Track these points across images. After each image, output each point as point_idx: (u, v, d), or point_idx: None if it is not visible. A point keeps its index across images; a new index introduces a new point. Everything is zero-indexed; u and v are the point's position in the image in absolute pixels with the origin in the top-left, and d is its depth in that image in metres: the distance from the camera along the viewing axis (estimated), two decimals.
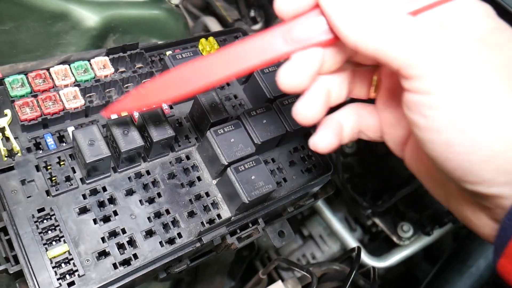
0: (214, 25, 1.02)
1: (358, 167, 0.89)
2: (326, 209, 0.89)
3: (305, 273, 0.60)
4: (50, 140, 0.47)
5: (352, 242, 0.87)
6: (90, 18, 0.63)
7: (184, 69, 0.35)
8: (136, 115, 0.51)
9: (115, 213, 0.46)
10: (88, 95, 0.51)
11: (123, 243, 0.45)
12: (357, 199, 0.83)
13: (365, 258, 0.86)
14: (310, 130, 0.59)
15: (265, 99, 0.56)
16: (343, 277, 0.65)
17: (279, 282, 0.66)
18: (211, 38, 0.61)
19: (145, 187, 0.49)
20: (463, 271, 0.79)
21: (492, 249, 0.31)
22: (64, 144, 0.48)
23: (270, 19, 0.96)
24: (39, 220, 0.43)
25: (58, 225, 0.44)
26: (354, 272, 0.59)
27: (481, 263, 0.80)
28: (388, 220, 0.85)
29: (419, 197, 0.78)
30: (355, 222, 0.98)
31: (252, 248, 0.85)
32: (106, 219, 0.46)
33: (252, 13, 1.00)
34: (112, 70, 0.53)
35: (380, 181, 0.81)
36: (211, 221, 0.50)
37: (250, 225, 0.54)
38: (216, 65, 0.34)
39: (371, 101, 0.39)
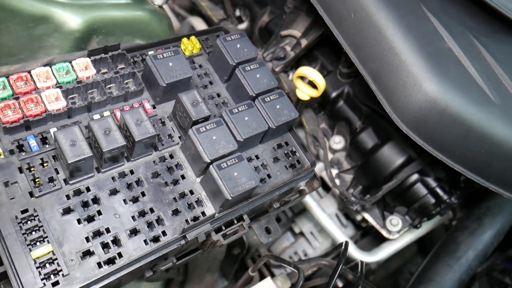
0: (200, 25, 1.03)
1: (347, 163, 0.89)
2: (316, 205, 0.89)
3: (293, 269, 0.60)
4: (32, 142, 0.48)
5: (342, 237, 0.87)
6: (73, 20, 0.63)
7: None
8: (118, 114, 0.51)
9: (99, 212, 0.47)
10: (70, 96, 0.51)
11: (107, 242, 0.46)
12: (346, 195, 0.83)
13: (356, 253, 0.87)
14: (293, 125, 0.59)
15: (247, 96, 0.57)
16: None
17: (268, 278, 0.66)
18: (193, 38, 0.62)
19: (129, 186, 0.49)
20: (452, 263, 0.79)
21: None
22: (47, 146, 0.48)
23: (255, 18, 0.96)
24: (23, 221, 0.44)
25: (41, 226, 0.44)
26: (340, 265, 0.60)
27: (470, 254, 0.80)
28: (377, 214, 0.85)
29: (406, 191, 0.78)
30: (346, 218, 0.99)
31: (242, 247, 0.85)
32: (90, 219, 0.46)
33: (238, 13, 1.01)
34: (94, 71, 0.53)
35: (368, 176, 0.82)
36: (195, 219, 0.50)
37: (235, 221, 0.54)
38: None
39: None
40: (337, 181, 0.88)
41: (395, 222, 0.83)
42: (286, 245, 1.01)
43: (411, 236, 0.90)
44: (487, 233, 0.82)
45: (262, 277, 0.90)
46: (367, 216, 0.86)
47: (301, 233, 1.00)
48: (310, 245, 0.99)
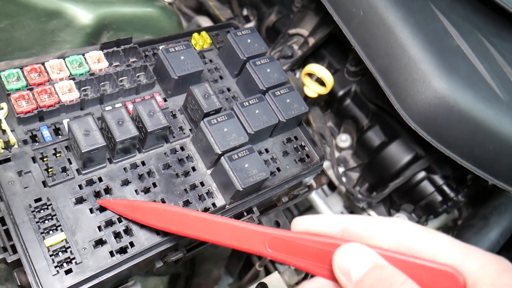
0: (207, 25, 1.04)
1: (353, 161, 0.90)
2: (322, 203, 0.90)
3: None
4: (46, 132, 0.48)
5: None
6: (84, 15, 0.64)
7: (174, 213, 0.41)
8: (130, 107, 0.52)
9: None
10: (83, 88, 0.52)
11: (119, 232, 0.46)
12: (352, 192, 0.84)
13: None
14: (302, 119, 0.59)
15: (257, 90, 0.57)
16: None
17: (276, 273, 0.66)
18: (203, 33, 0.62)
19: (141, 177, 0.50)
20: None
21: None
22: (60, 137, 0.49)
23: (262, 17, 0.97)
24: (36, 210, 0.44)
25: (55, 215, 0.44)
26: None
27: None
28: (383, 212, 0.86)
29: (412, 188, 0.79)
30: None
31: None
32: (102, 209, 0.47)
33: (245, 12, 1.01)
34: (107, 64, 0.54)
35: (374, 173, 0.82)
36: (206, 210, 0.50)
37: (245, 213, 0.54)
38: (199, 226, 0.39)
39: None
40: (344, 179, 0.88)
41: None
42: None
43: None
44: (493, 232, 0.82)
45: (268, 273, 0.90)
46: (373, 213, 0.86)
47: None
48: None
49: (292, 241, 0.35)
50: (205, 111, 0.51)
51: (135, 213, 0.45)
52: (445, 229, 1.04)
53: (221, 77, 0.61)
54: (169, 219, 0.42)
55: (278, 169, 0.57)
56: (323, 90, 0.76)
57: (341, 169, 0.90)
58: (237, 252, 0.89)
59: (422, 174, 0.78)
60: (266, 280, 0.65)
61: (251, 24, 1.00)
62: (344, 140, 0.89)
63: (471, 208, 0.94)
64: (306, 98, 0.82)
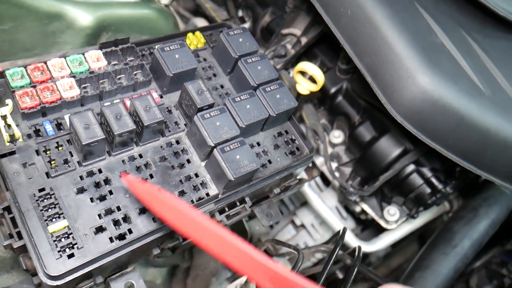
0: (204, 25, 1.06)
1: (346, 156, 0.92)
2: (316, 197, 0.92)
3: (292, 251, 0.63)
4: (48, 127, 0.51)
5: (341, 226, 0.90)
6: (84, 17, 0.67)
7: (192, 216, 0.41)
8: (128, 103, 0.55)
9: (110, 192, 0.50)
10: (83, 85, 0.55)
11: (118, 219, 0.49)
12: (345, 186, 0.86)
13: (355, 242, 0.90)
14: (292, 114, 0.62)
15: (249, 86, 0.60)
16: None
17: None
18: (198, 33, 0.65)
19: (138, 169, 0.53)
20: (448, 251, 0.82)
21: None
22: (61, 131, 0.52)
23: (257, 18, 1.00)
24: (40, 199, 0.47)
25: (57, 203, 0.47)
26: (337, 249, 0.62)
27: (466, 242, 0.83)
28: (375, 205, 0.88)
29: (402, 181, 0.81)
30: (346, 211, 1.02)
31: (245, 236, 0.88)
32: (102, 198, 0.50)
33: (240, 13, 1.04)
34: (105, 63, 0.57)
35: (366, 167, 0.85)
36: (200, 199, 0.53)
37: (238, 203, 0.57)
38: (212, 239, 0.39)
39: None
40: (337, 174, 0.91)
41: (392, 212, 0.86)
42: (288, 237, 1.04)
43: (409, 227, 0.93)
44: (482, 223, 0.85)
45: None
46: (365, 207, 0.88)
47: (303, 225, 1.03)
48: (311, 237, 1.02)
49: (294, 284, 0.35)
50: (198, 106, 0.54)
51: (153, 202, 0.43)
52: (440, 222, 1.07)
53: (214, 75, 0.64)
54: (182, 219, 0.41)
55: (269, 161, 0.59)
56: (315, 87, 0.79)
57: (334, 165, 0.92)
58: None
59: (411, 167, 0.81)
60: None
61: (247, 25, 1.03)
62: (337, 136, 0.92)
63: (462, 201, 0.97)
64: (298, 95, 0.85)
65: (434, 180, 0.80)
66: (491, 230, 0.87)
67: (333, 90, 0.90)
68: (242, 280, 0.64)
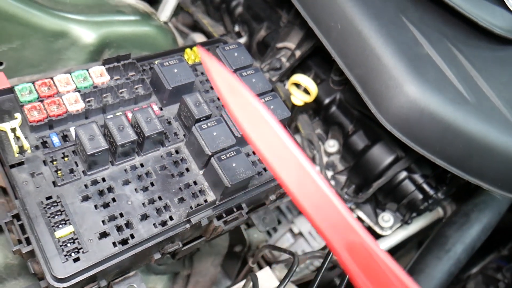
0: (202, 41, 1.10)
1: (341, 165, 0.95)
2: None
3: (288, 255, 0.66)
4: (55, 139, 0.54)
5: None
6: (88, 35, 0.71)
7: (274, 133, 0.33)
8: (129, 115, 0.58)
9: (114, 200, 0.53)
10: (87, 99, 0.58)
11: (121, 225, 0.52)
12: (340, 193, 0.89)
13: None
14: (285, 124, 0.65)
15: None
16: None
17: (267, 268, 0.72)
18: (195, 48, 0.69)
19: (140, 177, 0.56)
20: (441, 255, 0.84)
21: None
22: (67, 142, 0.55)
23: (253, 33, 1.04)
24: (47, 207, 0.50)
25: (64, 210, 0.50)
26: (331, 253, 0.65)
27: (458, 247, 0.85)
28: (369, 212, 0.91)
29: (395, 188, 0.84)
30: None
31: (244, 244, 0.90)
32: (105, 205, 0.52)
33: (237, 28, 1.08)
34: (108, 78, 0.60)
35: (360, 175, 0.87)
36: (198, 205, 0.56)
37: (235, 210, 0.60)
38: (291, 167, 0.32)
39: None
40: (332, 182, 0.94)
41: (386, 218, 0.88)
42: (286, 245, 1.06)
43: (403, 233, 0.95)
44: (474, 228, 0.87)
45: (261, 269, 0.95)
46: (360, 213, 0.91)
47: (300, 233, 1.05)
48: (309, 245, 1.04)
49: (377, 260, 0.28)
50: (196, 118, 0.57)
51: (232, 94, 0.33)
52: (433, 228, 1.09)
53: (211, 88, 0.67)
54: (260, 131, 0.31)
55: (265, 169, 0.62)
56: (308, 98, 0.82)
57: (330, 173, 0.95)
58: (233, 252, 0.94)
59: (403, 174, 0.84)
60: (258, 274, 0.70)
61: (243, 39, 1.07)
62: (331, 145, 0.95)
63: (456, 206, 0.99)
64: (293, 106, 0.88)
65: (425, 186, 0.83)
66: (483, 234, 0.89)
67: (327, 100, 0.94)
68: (239, 285, 0.66)
